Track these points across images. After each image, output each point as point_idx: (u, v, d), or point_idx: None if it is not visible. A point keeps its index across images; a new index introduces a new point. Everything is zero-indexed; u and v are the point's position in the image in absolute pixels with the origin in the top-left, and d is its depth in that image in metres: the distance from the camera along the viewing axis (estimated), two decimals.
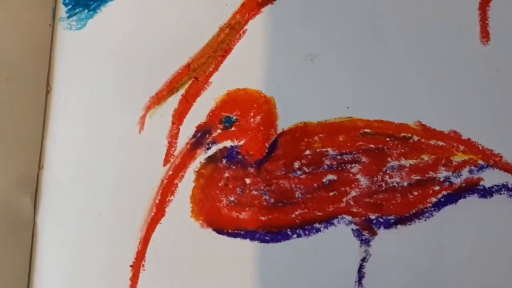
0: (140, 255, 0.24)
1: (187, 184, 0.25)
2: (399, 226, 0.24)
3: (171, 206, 0.25)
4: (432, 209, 0.24)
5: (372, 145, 0.24)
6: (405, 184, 0.24)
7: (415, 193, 0.24)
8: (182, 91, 0.26)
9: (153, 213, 0.24)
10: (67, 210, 0.25)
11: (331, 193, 0.24)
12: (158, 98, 0.26)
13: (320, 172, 0.24)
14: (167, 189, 0.25)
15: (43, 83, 0.26)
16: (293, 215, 0.24)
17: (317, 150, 0.25)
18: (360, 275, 0.23)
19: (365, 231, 0.24)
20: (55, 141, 0.26)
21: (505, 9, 0.25)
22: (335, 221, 0.24)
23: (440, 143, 0.24)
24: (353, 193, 0.24)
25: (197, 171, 0.25)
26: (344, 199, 0.24)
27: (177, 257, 0.24)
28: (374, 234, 0.24)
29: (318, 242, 0.24)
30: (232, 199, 0.24)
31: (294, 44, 0.26)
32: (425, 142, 0.24)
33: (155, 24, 0.27)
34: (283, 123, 0.25)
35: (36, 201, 0.25)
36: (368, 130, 0.25)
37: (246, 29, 0.26)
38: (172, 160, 0.25)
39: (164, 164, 0.25)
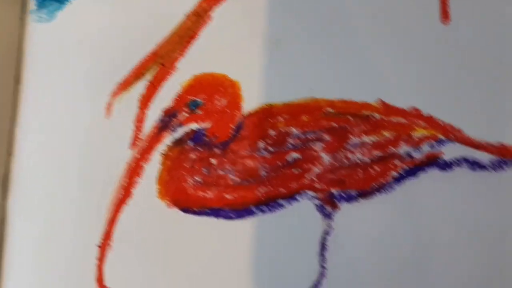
0: (107, 235, 0.33)
1: (153, 166, 0.34)
2: (360, 200, 0.32)
3: (138, 187, 0.33)
4: (393, 182, 0.32)
5: (334, 124, 0.33)
6: (367, 159, 0.33)
7: (376, 168, 0.33)
8: (148, 77, 0.35)
9: (120, 195, 0.33)
10: (36, 194, 0.33)
11: (295, 171, 0.33)
12: (125, 85, 0.35)
13: (284, 151, 0.33)
14: (134, 171, 0.34)
15: (12, 74, 0.35)
16: (258, 193, 0.33)
17: (282, 130, 0.33)
18: (323, 248, 0.32)
19: (328, 205, 0.32)
20: (25, 129, 0.35)
21: None
22: (298, 197, 0.32)
23: (401, 119, 0.33)
24: (316, 170, 0.33)
25: (163, 154, 0.34)
26: (308, 176, 0.33)
27: (143, 236, 0.32)
28: (336, 208, 0.32)
29: (282, 217, 0.32)
30: (198, 179, 0.33)
31: (258, 29, 0.35)
32: (386, 119, 0.33)
33: (123, 14, 0.36)
34: (249, 106, 0.34)
35: (5, 187, 0.34)
36: (330, 110, 0.34)
37: (212, 16, 0.36)
38: (138, 143, 0.34)
39: (131, 148, 0.34)
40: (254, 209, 0.31)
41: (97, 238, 0.31)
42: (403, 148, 0.32)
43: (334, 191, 0.31)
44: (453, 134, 0.31)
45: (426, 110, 0.32)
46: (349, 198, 0.31)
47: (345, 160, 0.31)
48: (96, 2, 0.35)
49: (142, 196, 0.31)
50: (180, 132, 0.32)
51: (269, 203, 0.31)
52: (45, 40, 0.34)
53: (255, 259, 0.30)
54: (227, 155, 0.31)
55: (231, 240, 0.30)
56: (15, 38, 0.34)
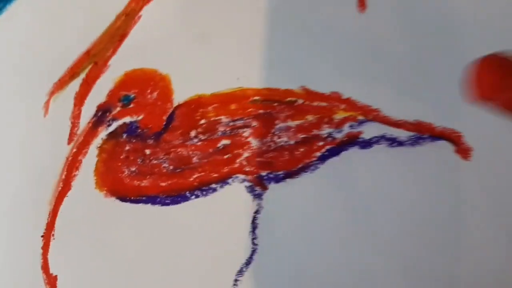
0: (50, 226, 0.35)
1: (90, 159, 0.35)
2: (287, 180, 0.34)
3: (77, 180, 0.35)
4: (317, 162, 0.35)
5: (261, 111, 0.36)
6: (292, 142, 0.35)
7: (301, 149, 0.35)
8: (83, 75, 0.37)
9: (60, 188, 0.35)
10: None
11: (226, 156, 0.35)
12: (61, 84, 0.37)
13: (215, 138, 0.35)
14: (72, 165, 0.35)
15: None
16: (191, 179, 0.35)
17: (212, 119, 0.36)
18: (254, 226, 0.34)
19: (257, 186, 0.35)
20: None
21: None
22: (230, 181, 0.35)
23: (323, 103, 0.36)
24: (245, 154, 0.35)
25: (99, 147, 0.36)
26: (238, 160, 0.35)
27: (84, 225, 0.34)
28: (265, 188, 0.34)
29: (215, 200, 0.34)
30: (133, 169, 0.35)
31: (185, 26, 0.37)
32: (309, 104, 0.36)
33: (57, 16, 0.38)
34: (179, 97, 0.36)
35: None
36: (257, 98, 0.36)
37: (141, 15, 0.38)
38: (75, 138, 0.36)
39: (69, 143, 0.36)
40: (188, 194, 0.33)
41: (41, 230, 0.33)
42: (326, 130, 0.34)
43: (263, 173, 0.33)
44: (371, 115, 0.33)
45: (346, 93, 0.34)
46: (277, 179, 0.32)
47: (272, 144, 0.33)
48: (32, 5, 0.36)
49: (81, 188, 0.33)
50: (114, 125, 0.34)
51: (203, 188, 0.33)
52: None
53: (192, 241, 0.32)
54: (160, 145, 0.33)
55: (168, 225, 0.32)
56: None
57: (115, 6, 0.36)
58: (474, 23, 0.35)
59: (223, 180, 0.32)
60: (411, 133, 0.34)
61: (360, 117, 0.33)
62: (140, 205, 0.32)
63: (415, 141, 0.34)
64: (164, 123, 0.33)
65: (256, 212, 0.31)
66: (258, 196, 0.32)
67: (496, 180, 0.31)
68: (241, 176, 0.32)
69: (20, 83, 0.35)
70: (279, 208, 0.32)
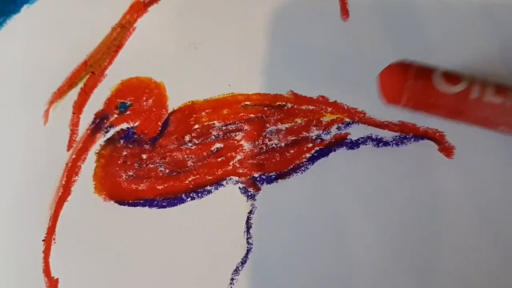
0: (51, 230, 0.35)
1: (89, 165, 0.36)
2: (279, 180, 0.35)
3: (76, 185, 0.35)
4: (307, 163, 0.35)
5: (252, 115, 0.36)
6: (283, 144, 0.36)
7: (292, 151, 0.35)
8: (80, 84, 0.37)
9: (60, 193, 0.35)
10: None
11: (219, 159, 0.36)
12: (60, 93, 0.37)
13: (209, 142, 0.36)
14: (72, 171, 0.36)
15: None
16: (187, 182, 0.35)
17: (205, 124, 0.36)
18: (248, 226, 0.34)
19: (251, 188, 0.35)
20: None
21: None
22: (224, 182, 0.35)
23: (311, 107, 0.36)
24: (238, 157, 0.36)
25: (97, 153, 0.36)
26: (231, 163, 0.35)
27: (84, 229, 0.34)
28: (258, 189, 0.35)
29: (210, 202, 0.34)
30: (130, 173, 0.36)
31: (178, 35, 0.38)
32: (298, 108, 0.36)
33: (55, 29, 0.38)
34: (173, 103, 0.36)
35: None
36: (248, 103, 0.36)
37: (136, 27, 0.39)
38: (74, 145, 0.36)
39: (68, 150, 0.36)
40: (184, 197, 0.33)
41: (42, 234, 0.33)
42: (314, 132, 0.34)
43: (255, 174, 0.33)
44: (357, 116, 0.34)
45: (332, 97, 0.34)
46: (269, 180, 0.33)
47: (263, 146, 0.33)
48: (31, 19, 0.37)
49: (81, 192, 0.33)
50: (112, 132, 0.34)
51: (198, 190, 0.33)
52: None
53: (188, 242, 0.32)
54: (156, 150, 0.34)
55: (165, 227, 0.32)
56: None
57: (111, 19, 0.36)
58: (455, 29, 0.35)
59: (217, 182, 0.33)
60: (396, 134, 0.35)
61: (347, 119, 0.34)
62: (138, 208, 0.33)
63: (399, 141, 0.34)
64: (160, 128, 0.34)
65: (250, 212, 0.32)
66: (251, 197, 0.32)
67: (477, 177, 0.32)
68: (235, 178, 0.33)
69: (21, 93, 0.35)
70: (272, 208, 0.32)
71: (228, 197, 0.33)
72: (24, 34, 0.37)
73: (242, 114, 0.34)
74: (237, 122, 0.34)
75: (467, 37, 0.36)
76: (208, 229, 0.32)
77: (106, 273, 0.32)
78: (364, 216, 0.32)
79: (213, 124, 0.34)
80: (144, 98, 0.34)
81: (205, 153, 0.33)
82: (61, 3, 0.37)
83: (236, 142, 0.34)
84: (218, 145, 0.33)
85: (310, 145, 0.34)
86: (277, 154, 0.33)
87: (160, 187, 0.33)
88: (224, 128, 0.34)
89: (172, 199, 0.33)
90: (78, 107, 0.35)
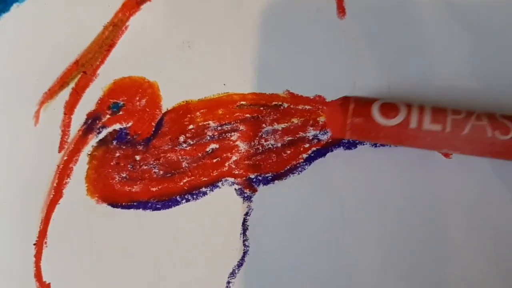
0: (42, 234, 0.33)
1: (81, 166, 0.34)
2: (276, 181, 0.33)
3: (68, 187, 0.34)
4: (304, 163, 0.34)
5: (248, 115, 0.35)
6: (279, 145, 0.34)
7: (288, 151, 0.34)
8: (72, 84, 0.36)
9: (51, 196, 0.34)
10: None
11: (215, 160, 0.34)
12: (51, 93, 0.36)
13: (204, 142, 0.34)
14: (63, 173, 0.34)
15: None
16: (181, 183, 0.34)
17: (200, 124, 0.35)
18: (244, 228, 0.33)
19: (247, 189, 0.34)
20: None
21: None
22: (219, 184, 0.34)
23: (307, 107, 0.35)
24: (234, 158, 0.34)
25: (90, 154, 0.35)
26: (227, 164, 0.34)
27: (76, 232, 0.33)
28: (254, 191, 0.34)
29: (205, 204, 0.33)
30: (124, 175, 0.34)
31: (172, 34, 0.36)
32: (294, 108, 0.35)
33: (46, 28, 0.37)
34: (167, 103, 0.35)
35: None
36: (243, 102, 0.35)
37: (128, 25, 0.37)
38: (66, 147, 0.35)
39: (59, 151, 0.35)
40: (179, 199, 0.32)
41: (34, 237, 0.31)
42: (311, 132, 0.33)
43: (251, 175, 0.32)
44: None
45: (329, 97, 0.33)
46: (266, 181, 0.32)
47: (260, 147, 0.32)
48: (21, 18, 0.35)
49: (73, 195, 0.32)
50: (104, 133, 0.33)
51: (193, 192, 0.32)
52: None
53: (184, 244, 0.31)
54: (150, 151, 0.32)
55: (160, 229, 0.31)
56: None
57: (103, 17, 0.35)
58: (451, 27, 0.35)
59: (212, 184, 0.31)
60: None
61: None
62: (132, 210, 0.31)
63: None
64: (153, 129, 0.32)
65: (246, 214, 0.31)
66: (247, 198, 0.31)
67: (476, 177, 0.32)
68: (230, 179, 0.31)
69: (11, 93, 0.34)
70: (268, 209, 0.31)
71: (224, 199, 0.32)
72: (13, 33, 0.35)
73: (238, 114, 0.33)
74: (232, 122, 0.33)
75: (464, 36, 0.35)
76: (203, 232, 0.31)
77: (99, 278, 0.31)
78: (362, 217, 0.32)
79: (208, 124, 0.33)
80: (137, 98, 0.33)
81: (200, 154, 0.32)
82: (51, 1, 0.36)
83: (231, 142, 0.32)
84: (213, 145, 0.32)
85: (307, 145, 0.33)
86: (274, 155, 0.32)
87: (154, 189, 0.31)
88: (219, 128, 0.33)
89: (166, 201, 0.31)
90: (70, 107, 0.33)
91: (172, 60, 0.35)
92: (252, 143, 0.33)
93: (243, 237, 0.31)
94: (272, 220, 0.32)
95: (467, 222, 0.31)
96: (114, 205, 0.32)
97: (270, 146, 0.33)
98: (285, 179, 0.33)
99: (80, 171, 0.32)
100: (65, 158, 0.33)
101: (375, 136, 0.28)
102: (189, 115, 0.33)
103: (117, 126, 0.33)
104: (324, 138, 0.33)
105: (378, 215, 0.32)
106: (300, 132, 0.33)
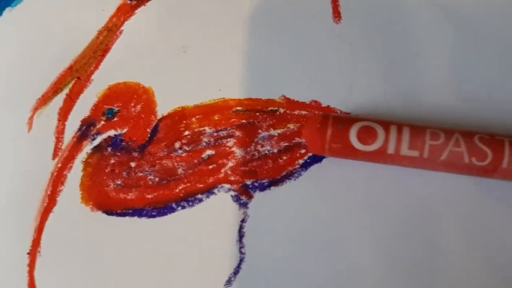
0: (36, 243, 0.32)
1: (76, 174, 0.33)
2: (272, 187, 0.32)
3: (62, 195, 0.33)
4: (300, 169, 0.33)
5: (244, 121, 0.34)
6: (275, 150, 0.33)
7: (284, 157, 0.33)
8: (66, 90, 0.35)
9: (45, 204, 0.33)
10: None
11: (211, 166, 0.33)
12: (44, 100, 0.34)
13: (199, 149, 0.33)
14: (57, 180, 0.33)
15: None
16: (177, 190, 0.33)
17: (195, 130, 0.34)
18: (241, 234, 0.32)
19: (243, 195, 0.33)
20: None
21: None
22: (215, 190, 0.33)
23: (303, 112, 0.34)
24: (230, 164, 0.33)
25: (84, 161, 0.33)
26: (223, 170, 0.33)
27: (70, 241, 0.32)
28: (250, 197, 0.33)
29: (201, 211, 0.32)
30: (119, 182, 0.33)
31: (167, 39, 0.35)
32: (290, 113, 0.34)
33: (39, 33, 0.36)
34: (163, 109, 0.34)
35: None
36: (239, 108, 0.34)
37: (123, 30, 0.36)
38: (60, 153, 0.34)
39: (53, 158, 0.33)
40: (174, 206, 0.31)
41: (27, 246, 0.30)
42: None
43: (248, 181, 0.31)
44: None
45: (325, 102, 0.33)
46: (262, 187, 0.31)
47: (256, 153, 0.31)
48: (15, 22, 0.34)
49: (67, 203, 0.31)
50: (99, 139, 0.32)
51: (188, 199, 0.31)
52: None
53: (179, 252, 0.30)
54: (145, 157, 0.31)
55: (155, 237, 0.30)
56: None
57: (97, 22, 0.34)
58: (446, 31, 0.34)
59: (208, 190, 0.31)
60: None
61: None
62: (127, 218, 0.30)
63: None
64: (149, 135, 0.31)
65: (243, 220, 0.30)
66: (244, 205, 0.30)
67: (474, 178, 0.31)
68: (227, 186, 0.30)
69: (4, 99, 0.33)
70: (265, 216, 0.30)
71: (220, 206, 0.32)
72: (6, 38, 0.34)
73: (234, 119, 0.32)
74: (228, 128, 0.32)
75: (459, 39, 0.34)
76: (199, 239, 0.30)
77: (94, 286, 0.29)
78: (359, 223, 0.31)
79: (204, 130, 0.32)
80: (132, 104, 0.32)
81: (196, 161, 0.31)
82: (44, 6, 0.35)
83: (227, 148, 0.31)
84: (209, 152, 0.31)
85: (303, 151, 0.32)
86: (270, 161, 0.32)
87: (149, 196, 0.30)
88: (215, 134, 0.32)
89: (162, 209, 0.30)
90: (64, 113, 0.32)
91: (167, 65, 0.34)
92: (248, 149, 0.32)
93: (239, 244, 0.30)
94: (269, 227, 0.31)
95: (466, 227, 0.31)
96: (109, 212, 0.31)
97: (266, 152, 0.32)
98: (282, 185, 0.32)
99: (74, 179, 0.31)
100: (59, 165, 0.31)
101: (354, 157, 0.29)
102: (184, 121, 0.32)
103: (112, 133, 0.32)
104: None
105: (375, 221, 0.31)
106: (296, 138, 0.32)
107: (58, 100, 0.33)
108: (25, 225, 0.31)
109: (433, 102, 0.33)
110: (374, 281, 0.30)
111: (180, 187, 0.31)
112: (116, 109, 0.32)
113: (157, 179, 0.31)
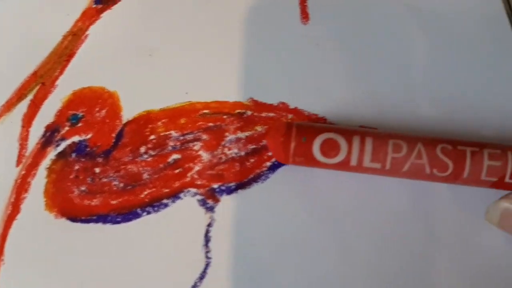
0: None
1: (39, 181, 0.32)
2: (239, 191, 0.31)
3: (26, 202, 0.31)
4: (268, 172, 0.32)
5: (211, 124, 0.33)
6: (243, 153, 0.32)
7: (252, 160, 0.32)
8: (30, 96, 0.33)
9: (9, 211, 0.31)
10: None
11: (177, 171, 0.32)
12: (8, 106, 0.33)
13: (165, 153, 0.32)
14: (21, 187, 0.32)
15: None
16: (142, 195, 0.32)
17: (161, 134, 0.33)
18: (207, 239, 0.31)
19: (209, 199, 0.31)
20: None
21: None
22: (181, 195, 0.32)
23: (271, 114, 0.33)
24: (196, 168, 0.32)
25: (48, 168, 0.32)
26: (189, 174, 0.32)
27: (34, 248, 0.31)
28: (217, 201, 0.31)
29: (167, 216, 0.31)
30: (83, 188, 0.32)
31: (132, 42, 0.34)
32: (258, 115, 0.33)
33: (3, 38, 0.35)
34: (128, 114, 0.33)
35: None
36: (206, 111, 0.33)
37: (88, 34, 0.35)
38: (24, 160, 0.32)
39: (17, 165, 0.32)
40: (139, 211, 0.30)
41: None
42: None
43: (214, 185, 0.30)
44: (319, 123, 0.31)
45: (293, 103, 0.32)
46: (229, 191, 0.30)
47: (223, 156, 0.31)
48: None
49: (31, 210, 0.30)
50: (63, 145, 0.31)
51: (154, 204, 0.30)
52: None
53: (145, 258, 0.29)
54: (110, 163, 0.30)
55: (120, 243, 0.29)
56: None
57: (62, 26, 0.33)
58: (414, 30, 0.34)
59: (174, 195, 0.29)
60: None
61: None
62: (91, 224, 0.29)
63: None
64: (114, 140, 0.30)
65: (209, 225, 0.29)
66: (210, 209, 0.29)
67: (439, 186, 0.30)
68: (193, 190, 0.29)
69: None
70: (231, 219, 0.29)
71: (186, 210, 0.31)
72: None
73: (200, 123, 0.31)
74: (195, 132, 0.31)
75: (427, 39, 0.33)
76: (164, 244, 0.29)
77: None
78: (329, 224, 0.31)
79: (170, 134, 0.31)
80: (97, 109, 0.31)
81: (161, 165, 0.30)
82: (7, 10, 0.34)
83: (194, 152, 0.30)
84: (175, 156, 0.30)
85: (270, 153, 0.30)
86: (237, 164, 0.31)
87: (114, 202, 0.29)
88: (181, 138, 0.31)
89: (126, 214, 0.29)
90: (28, 120, 0.31)
91: (133, 69, 0.33)
92: (215, 152, 0.31)
93: (205, 249, 0.29)
94: (236, 231, 0.30)
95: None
96: (74, 219, 0.30)
97: (233, 155, 0.31)
98: (249, 188, 0.32)
99: (38, 186, 0.30)
100: (23, 172, 0.30)
101: (317, 167, 0.29)
102: (150, 125, 0.31)
103: (76, 138, 0.31)
104: None
105: (343, 223, 0.31)
106: (264, 140, 0.31)
107: (22, 106, 0.32)
108: None
109: (401, 104, 0.32)
110: (342, 282, 0.30)
111: (146, 192, 0.30)
112: (81, 114, 0.31)
113: (122, 184, 0.30)
